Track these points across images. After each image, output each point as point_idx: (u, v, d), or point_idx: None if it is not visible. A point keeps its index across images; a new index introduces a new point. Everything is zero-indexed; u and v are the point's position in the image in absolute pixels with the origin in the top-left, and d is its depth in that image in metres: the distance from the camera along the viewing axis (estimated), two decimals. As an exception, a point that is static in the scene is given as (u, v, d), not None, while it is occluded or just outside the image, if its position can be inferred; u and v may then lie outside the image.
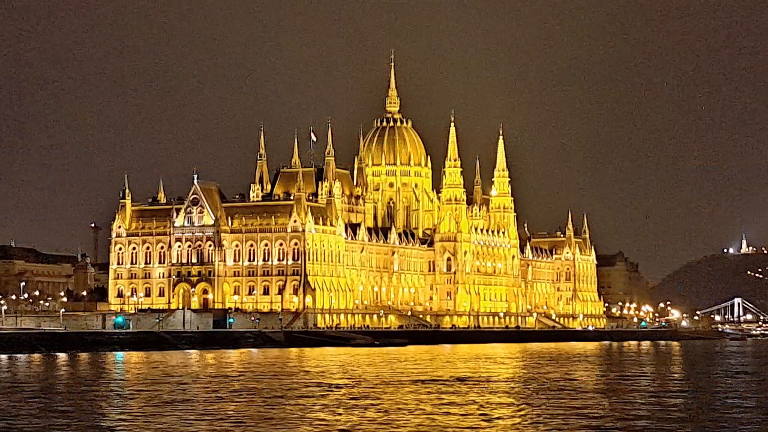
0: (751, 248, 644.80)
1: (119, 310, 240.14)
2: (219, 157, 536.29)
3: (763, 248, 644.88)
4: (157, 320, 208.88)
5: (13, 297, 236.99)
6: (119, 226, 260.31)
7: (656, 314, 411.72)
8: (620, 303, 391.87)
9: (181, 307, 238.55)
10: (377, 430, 64.04)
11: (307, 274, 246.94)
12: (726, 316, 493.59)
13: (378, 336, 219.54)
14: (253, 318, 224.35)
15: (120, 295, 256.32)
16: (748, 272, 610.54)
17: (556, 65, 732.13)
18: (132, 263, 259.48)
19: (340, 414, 72.27)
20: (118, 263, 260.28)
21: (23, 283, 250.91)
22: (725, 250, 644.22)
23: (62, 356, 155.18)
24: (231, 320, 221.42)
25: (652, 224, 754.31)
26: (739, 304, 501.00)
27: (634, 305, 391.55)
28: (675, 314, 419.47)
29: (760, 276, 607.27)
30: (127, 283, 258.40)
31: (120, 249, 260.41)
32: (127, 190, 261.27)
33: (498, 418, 70.19)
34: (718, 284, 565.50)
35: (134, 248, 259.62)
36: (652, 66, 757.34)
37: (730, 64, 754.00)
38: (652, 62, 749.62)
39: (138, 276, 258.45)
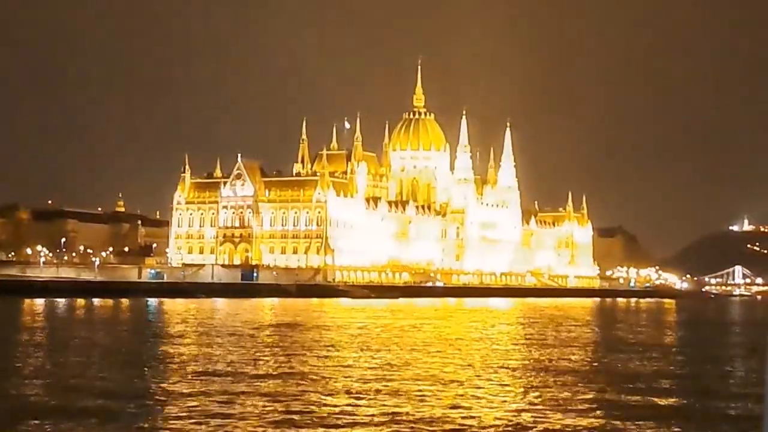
0: (752, 227, 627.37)
1: (166, 265, 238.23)
2: (273, 140, 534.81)
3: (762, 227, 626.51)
4: (182, 274, 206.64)
5: (64, 251, 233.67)
6: (179, 195, 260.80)
7: (648, 278, 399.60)
8: (617, 267, 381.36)
9: (227, 263, 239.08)
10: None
11: (327, 238, 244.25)
12: (727, 281, 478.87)
13: (378, 290, 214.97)
14: (274, 273, 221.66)
15: (176, 253, 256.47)
16: (748, 245, 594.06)
17: (557, 55, 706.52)
18: (189, 226, 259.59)
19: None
20: (178, 226, 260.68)
21: (66, 239, 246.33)
22: (729, 228, 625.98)
23: (96, 301, 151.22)
24: (255, 274, 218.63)
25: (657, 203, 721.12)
26: (739, 271, 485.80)
27: (626, 269, 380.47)
28: (668, 277, 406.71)
29: (758, 248, 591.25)
30: (185, 242, 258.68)
31: (179, 214, 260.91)
32: (186, 166, 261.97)
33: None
34: (723, 259, 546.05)
35: (191, 214, 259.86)
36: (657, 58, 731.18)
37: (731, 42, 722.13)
38: (656, 50, 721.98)
39: (193, 237, 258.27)
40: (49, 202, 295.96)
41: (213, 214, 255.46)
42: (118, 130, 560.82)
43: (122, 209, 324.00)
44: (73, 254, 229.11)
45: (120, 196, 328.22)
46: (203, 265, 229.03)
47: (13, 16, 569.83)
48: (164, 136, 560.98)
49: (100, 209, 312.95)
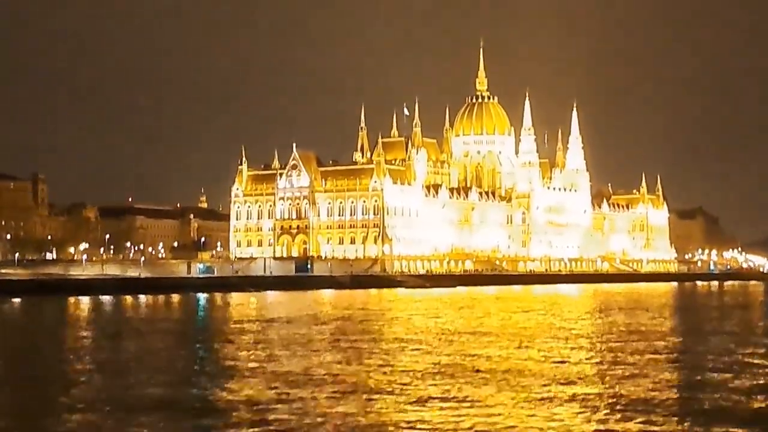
0: None
1: (219, 258, 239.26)
2: (333, 129, 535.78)
3: None
4: (233, 267, 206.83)
5: (131, 246, 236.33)
6: (237, 188, 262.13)
7: (733, 259, 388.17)
8: (698, 250, 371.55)
9: (285, 255, 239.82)
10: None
11: (385, 227, 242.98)
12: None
13: (434, 279, 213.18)
14: (328, 264, 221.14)
15: (236, 246, 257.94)
16: None
17: (624, 27, 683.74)
18: (247, 219, 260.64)
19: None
20: (236, 219, 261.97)
21: (134, 236, 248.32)
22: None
23: (142, 298, 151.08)
24: (310, 266, 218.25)
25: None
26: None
27: (707, 252, 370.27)
28: (755, 260, 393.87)
29: None
30: (243, 235, 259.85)
31: (238, 207, 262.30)
32: (243, 158, 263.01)
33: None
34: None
35: (249, 206, 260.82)
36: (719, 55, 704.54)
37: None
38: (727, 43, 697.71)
39: (251, 230, 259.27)
40: (129, 199, 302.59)
41: (270, 206, 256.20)
42: (188, 130, 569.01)
43: (204, 205, 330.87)
44: (133, 250, 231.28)
45: (202, 191, 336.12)
46: (255, 258, 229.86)
47: (90, 30, 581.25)
48: (221, 127, 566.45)
49: (179, 205, 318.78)
